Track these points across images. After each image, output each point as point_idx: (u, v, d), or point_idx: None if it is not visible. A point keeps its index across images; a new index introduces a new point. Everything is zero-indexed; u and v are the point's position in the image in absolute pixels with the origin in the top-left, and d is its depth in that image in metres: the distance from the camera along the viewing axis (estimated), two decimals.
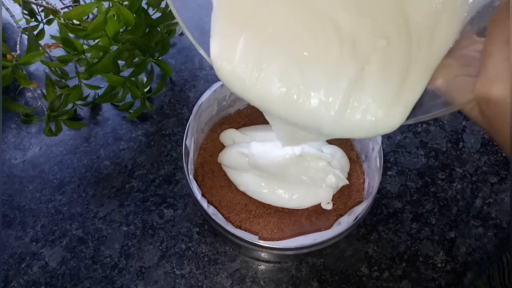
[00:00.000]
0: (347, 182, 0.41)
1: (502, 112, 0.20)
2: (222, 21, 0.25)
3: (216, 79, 0.29)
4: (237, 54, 0.25)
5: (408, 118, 0.24)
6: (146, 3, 0.47)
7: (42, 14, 0.51)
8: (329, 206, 0.41)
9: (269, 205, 0.42)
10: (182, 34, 0.60)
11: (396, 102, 0.24)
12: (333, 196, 0.42)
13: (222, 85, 0.42)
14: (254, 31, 0.25)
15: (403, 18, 0.23)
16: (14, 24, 0.48)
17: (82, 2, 0.56)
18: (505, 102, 0.20)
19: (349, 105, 0.24)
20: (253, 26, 0.25)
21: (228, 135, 0.45)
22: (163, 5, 0.49)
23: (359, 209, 0.38)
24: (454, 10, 0.22)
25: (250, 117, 0.48)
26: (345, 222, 0.38)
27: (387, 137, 0.53)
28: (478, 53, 0.22)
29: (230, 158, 0.43)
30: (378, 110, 0.24)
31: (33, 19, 0.50)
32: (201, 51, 0.26)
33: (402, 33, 0.23)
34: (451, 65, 0.23)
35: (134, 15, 0.42)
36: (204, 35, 0.26)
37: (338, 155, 0.43)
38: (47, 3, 0.48)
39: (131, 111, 0.52)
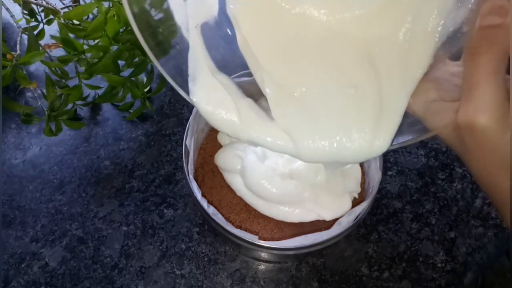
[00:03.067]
0: (356, 195, 0.41)
1: (485, 141, 0.21)
2: (207, 72, 0.27)
3: None
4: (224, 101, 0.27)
5: (393, 143, 0.25)
6: None
7: (42, 14, 0.51)
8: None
9: None
10: None
11: (377, 133, 0.25)
12: None
13: None
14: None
15: (368, 58, 0.23)
16: (14, 24, 0.48)
17: (82, 2, 0.56)
18: (489, 132, 0.20)
19: (334, 142, 0.25)
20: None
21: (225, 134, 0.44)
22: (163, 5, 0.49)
23: (359, 209, 0.38)
24: (425, 38, 0.23)
25: None
26: (345, 222, 0.38)
27: None
28: (451, 76, 0.22)
29: (225, 159, 0.42)
30: (362, 142, 0.25)
31: (33, 19, 0.50)
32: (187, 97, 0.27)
33: (370, 74, 0.24)
34: (427, 89, 0.24)
35: None
36: (183, 77, 0.27)
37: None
38: (47, 3, 0.48)
39: (131, 111, 0.52)
